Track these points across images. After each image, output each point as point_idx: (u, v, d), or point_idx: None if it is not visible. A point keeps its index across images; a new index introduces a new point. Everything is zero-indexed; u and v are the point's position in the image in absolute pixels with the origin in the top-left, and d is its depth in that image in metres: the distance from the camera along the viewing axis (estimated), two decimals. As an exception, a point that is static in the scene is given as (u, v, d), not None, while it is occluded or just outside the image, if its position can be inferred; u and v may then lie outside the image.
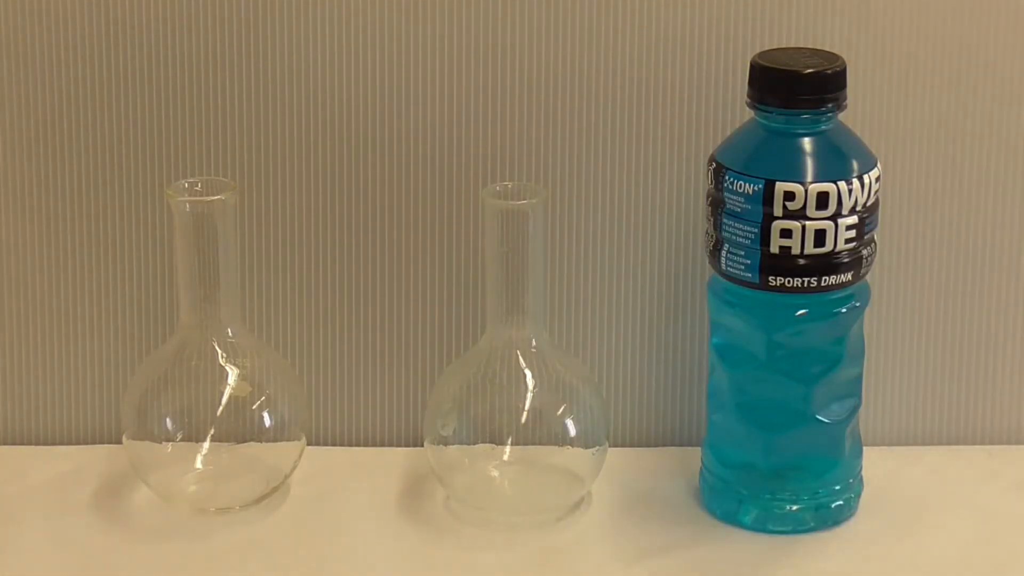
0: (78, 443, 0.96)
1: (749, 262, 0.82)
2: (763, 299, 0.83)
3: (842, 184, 0.81)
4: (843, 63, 0.83)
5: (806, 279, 0.82)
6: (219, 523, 0.88)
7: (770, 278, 0.82)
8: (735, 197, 0.82)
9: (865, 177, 0.82)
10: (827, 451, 0.86)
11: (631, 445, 0.96)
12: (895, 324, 0.94)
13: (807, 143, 0.82)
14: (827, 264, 0.81)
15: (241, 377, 0.88)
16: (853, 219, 0.82)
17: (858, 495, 0.88)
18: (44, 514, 0.88)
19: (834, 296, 0.83)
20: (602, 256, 0.94)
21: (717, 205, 0.83)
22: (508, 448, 0.88)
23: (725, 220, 0.82)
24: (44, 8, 0.91)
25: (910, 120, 0.92)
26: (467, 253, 0.94)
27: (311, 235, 0.94)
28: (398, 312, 0.95)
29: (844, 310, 0.84)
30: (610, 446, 0.90)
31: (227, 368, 0.88)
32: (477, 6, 0.91)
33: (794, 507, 0.86)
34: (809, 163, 0.81)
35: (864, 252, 0.82)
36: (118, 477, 0.92)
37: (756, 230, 0.81)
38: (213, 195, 0.85)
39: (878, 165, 0.83)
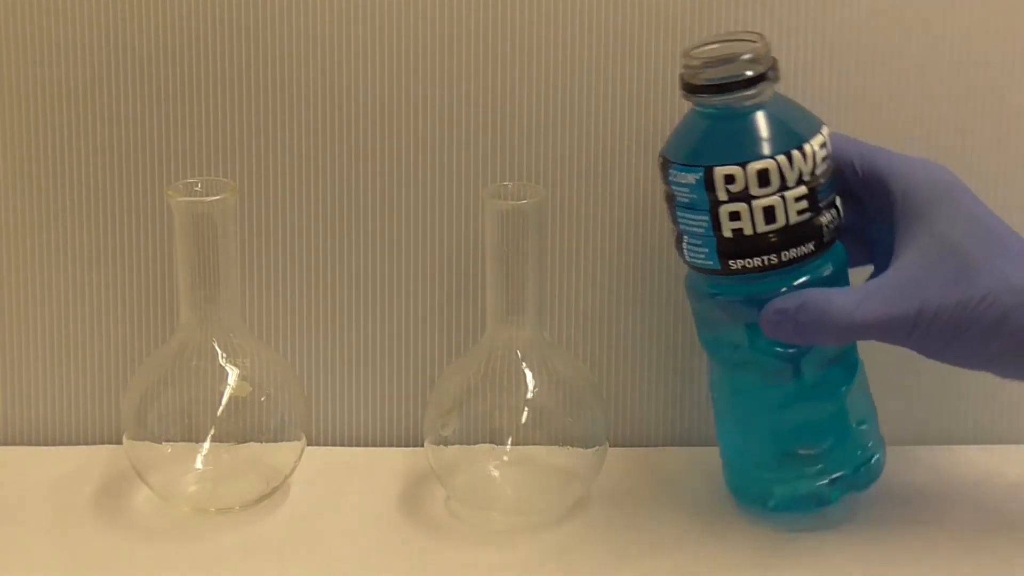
0: (78, 443, 0.96)
1: (707, 250, 0.82)
2: (735, 285, 0.83)
3: (781, 158, 0.80)
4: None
5: (765, 257, 0.81)
6: (219, 523, 0.88)
7: (730, 262, 0.82)
8: (681, 188, 0.82)
9: (806, 146, 0.81)
10: (832, 422, 0.86)
11: (631, 445, 0.96)
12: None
13: (742, 124, 0.81)
14: (783, 239, 0.81)
15: (241, 377, 0.88)
16: (802, 189, 0.81)
17: (878, 457, 0.87)
18: (44, 514, 0.88)
19: (803, 268, 0.82)
20: (602, 256, 0.94)
21: (670, 199, 0.83)
22: (508, 448, 0.88)
23: (679, 212, 0.83)
24: (44, 8, 0.91)
25: (907, 125, 0.92)
26: (467, 253, 0.94)
27: (311, 235, 0.94)
28: (398, 312, 0.95)
29: (808, 278, 0.83)
30: (610, 446, 0.91)
31: (227, 368, 0.88)
32: (478, 6, 0.91)
33: (819, 482, 0.86)
34: (745, 144, 0.81)
35: (823, 219, 0.82)
36: (118, 477, 0.92)
37: (706, 217, 0.82)
38: (213, 195, 0.85)
39: (823, 131, 0.83)
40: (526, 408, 0.88)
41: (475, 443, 0.88)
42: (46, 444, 0.96)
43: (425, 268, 0.95)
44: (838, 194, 0.84)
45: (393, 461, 0.95)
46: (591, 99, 0.92)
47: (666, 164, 0.83)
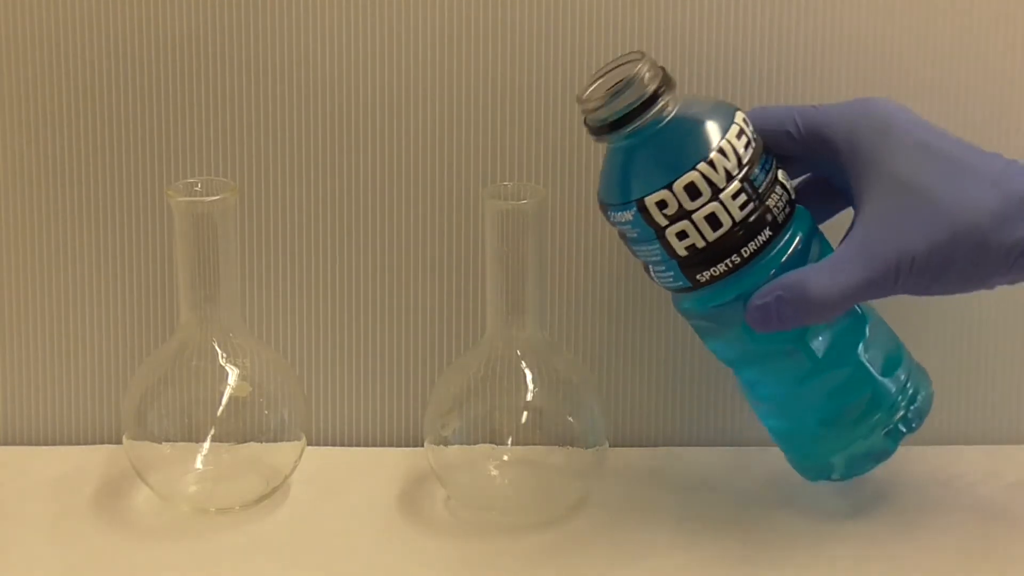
0: (78, 443, 0.96)
1: (672, 272, 0.82)
2: (715, 293, 0.83)
3: (702, 166, 0.80)
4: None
5: (727, 261, 0.81)
6: (219, 523, 0.88)
7: (697, 276, 0.82)
8: (624, 226, 0.82)
9: (723, 143, 0.80)
10: (859, 380, 0.85)
11: (631, 445, 0.96)
12: (894, 326, 0.94)
13: (656, 146, 0.81)
14: (737, 237, 0.81)
15: (241, 377, 0.88)
16: (735, 185, 0.80)
17: (923, 393, 0.86)
18: (44, 514, 0.88)
19: (771, 252, 0.82)
20: (602, 256, 0.94)
21: (622, 237, 0.83)
22: (508, 448, 0.88)
23: (633, 247, 0.83)
24: (44, 8, 0.91)
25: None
26: (467, 253, 0.94)
27: (311, 235, 0.94)
28: (398, 312, 0.95)
29: (782, 258, 0.83)
30: (610, 446, 0.91)
31: (227, 368, 0.88)
32: (478, 6, 0.91)
33: (872, 439, 0.85)
34: (665, 164, 0.81)
35: (769, 203, 0.81)
36: (118, 477, 0.92)
37: (657, 245, 0.82)
38: (213, 195, 0.86)
39: (736, 118, 0.82)
40: (526, 408, 0.88)
41: (475, 443, 0.88)
42: (46, 444, 0.96)
43: (425, 268, 0.95)
44: (780, 166, 0.83)
45: (393, 461, 0.95)
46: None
47: (603, 208, 0.83)
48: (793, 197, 0.83)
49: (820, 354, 0.84)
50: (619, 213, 0.82)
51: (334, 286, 0.95)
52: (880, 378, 0.85)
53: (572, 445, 0.88)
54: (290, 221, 0.94)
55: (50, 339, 0.96)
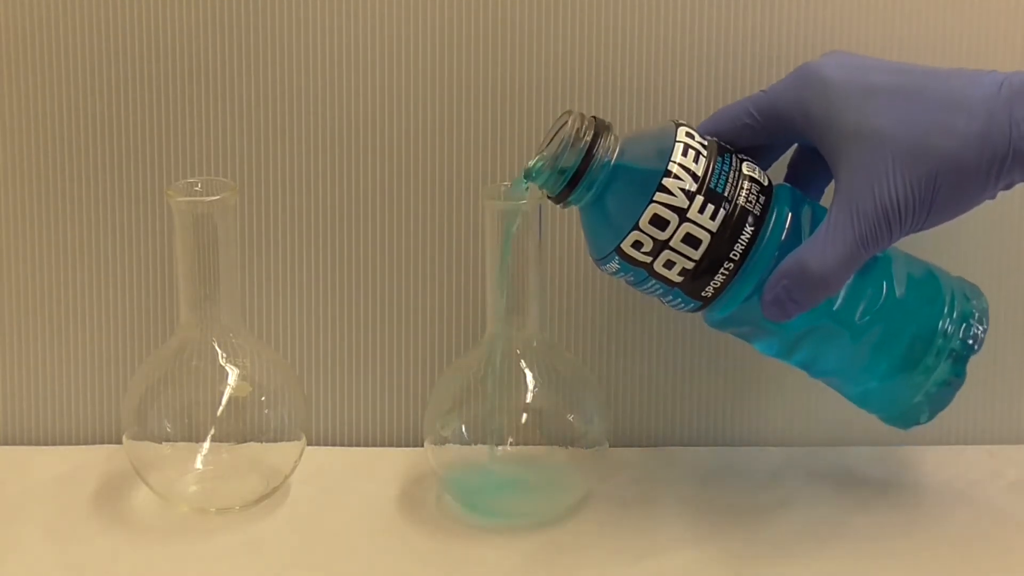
0: (78, 443, 0.96)
1: (680, 299, 0.82)
2: (732, 297, 0.82)
3: (659, 196, 0.80)
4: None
5: (723, 270, 0.81)
6: (219, 523, 0.88)
7: (702, 293, 0.82)
8: (618, 275, 0.83)
9: (672, 167, 0.80)
10: (901, 324, 0.85)
11: (631, 445, 0.96)
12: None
13: (611, 195, 0.81)
14: (721, 246, 0.81)
15: (241, 377, 0.88)
16: (698, 200, 0.80)
17: (972, 309, 0.85)
18: (44, 514, 0.88)
19: (764, 240, 0.82)
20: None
21: (627, 283, 0.84)
22: (508, 448, 0.88)
23: (637, 288, 0.83)
24: (44, 9, 0.91)
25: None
26: (467, 253, 0.94)
27: (311, 235, 0.94)
28: (398, 312, 0.95)
29: (779, 240, 0.82)
30: (610, 446, 0.91)
31: (227, 368, 0.88)
32: (478, 6, 0.91)
33: (940, 370, 0.85)
34: (625, 207, 0.81)
35: (740, 201, 0.81)
36: (118, 477, 0.92)
37: (653, 281, 0.82)
38: (213, 195, 0.86)
39: (678, 136, 0.81)
40: (526, 408, 0.88)
41: (475, 443, 0.88)
42: (46, 444, 0.97)
43: (425, 268, 0.95)
44: (745, 159, 0.83)
45: (393, 461, 0.95)
46: (591, 98, 0.92)
47: (596, 263, 0.84)
48: (766, 183, 0.82)
49: (850, 316, 0.84)
50: (608, 265, 0.82)
51: (334, 286, 0.95)
52: (918, 314, 0.85)
53: (572, 445, 0.88)
54: (290, 221, 0.94)
55: (50, 339, 0.96)
